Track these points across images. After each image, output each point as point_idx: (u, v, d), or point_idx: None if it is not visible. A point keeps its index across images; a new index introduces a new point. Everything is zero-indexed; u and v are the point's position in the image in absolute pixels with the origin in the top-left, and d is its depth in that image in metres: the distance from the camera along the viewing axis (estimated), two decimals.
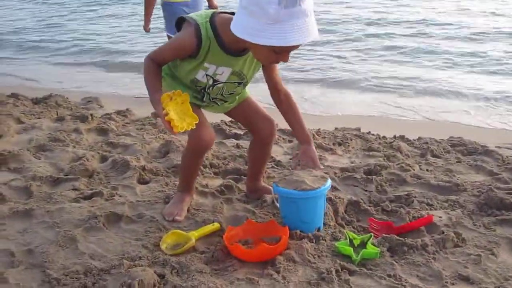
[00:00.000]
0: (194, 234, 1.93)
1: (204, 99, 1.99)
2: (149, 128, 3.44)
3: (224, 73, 1.86)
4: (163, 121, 1.63)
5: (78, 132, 3.31)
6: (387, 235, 1.88)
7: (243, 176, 2.55)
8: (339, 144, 3.14)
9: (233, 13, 1.71)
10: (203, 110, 2.08)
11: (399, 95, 4.76)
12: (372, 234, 1.90)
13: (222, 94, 1.97)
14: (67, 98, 4.50)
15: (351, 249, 1.80)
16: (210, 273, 1.71)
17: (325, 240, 1.90)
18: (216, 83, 1.89)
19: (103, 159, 2.83)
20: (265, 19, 1.50)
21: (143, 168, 2.61)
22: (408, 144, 3.12)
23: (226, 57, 1.79)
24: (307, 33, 1.54)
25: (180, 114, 1.69)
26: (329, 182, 1.96)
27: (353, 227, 2.07)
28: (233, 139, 3.22)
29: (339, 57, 6.27)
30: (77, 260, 1.80)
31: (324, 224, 2.02)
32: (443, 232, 1.93)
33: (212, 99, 1.98)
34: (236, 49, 1.78)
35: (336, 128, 3.51)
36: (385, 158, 2.83)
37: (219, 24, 1.75)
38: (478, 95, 4.60)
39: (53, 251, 1.84)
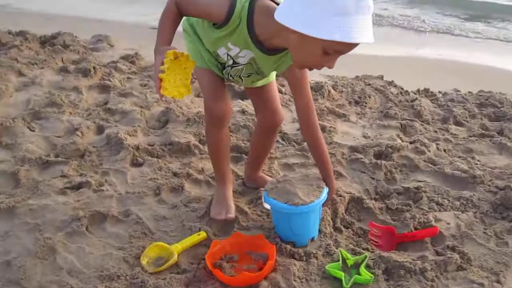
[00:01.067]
0: (177, 247, 1.89)
1: (223, 73, 1.89)
2: (153, 83, 3.32)
3: (246, 57, 1.75)
4: (154, 76, 1.55)
5: (78, 91, 3.23)
6: (383, 255, 1.77)
7: (244, 154, 2.45)
8: (356, 103, 3.02)
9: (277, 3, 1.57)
10: None
11: None
12: (367, 255, 1.80)
13: (239, 76, 1.87)
14: (76, 37, 4.39)
15: (342, 274, 1.72)
16: None
17: (317, 258, 1.82)
18: (235, 65, 1.80)
19: (99, 130, 2.78)
20: (331, 8, 1.36)
21: (137, 148, 2.53)
22: (432, 100, 2.89)
23: (251, 44, 1.67)
24: (370, 34, 1.42)
25: (177, 78, 1.58)
26: (324, 193, 1.83)
27: (353, 231, 2.00)
28: (240, 100, 3.07)
29: None
30: (54, 277, 1.81)
31: (320, 231, 1.93)
32: (447, 247, 1.82)
33: (230, 76, 1.88)
34: (264, 44, 1.65)
35: (357, 77, 3.31)
36: (401, 128, 2.69)
37: (258, 11, 1.60)
38: None
39: (30, 265, 1.85)
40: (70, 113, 2.96)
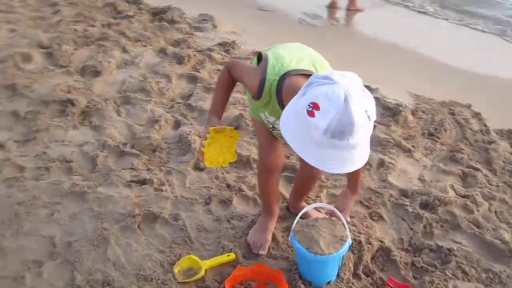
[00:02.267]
0: (206, 264, 2.23)
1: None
2: None
3: None
4: (198, 148, 1.89)
5: (168, 79, 3.67)
6: None
7: None
8: (429, 135, 3.12)
9: (309, 74, 1.69)
10: None
11: None
12: None
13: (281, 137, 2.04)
14: (183, 13, 4.83)
15: None
16: None
17: None
18: (274, 129, 2.02)
19: (176, 125, 3.18)
20: (309, 138, 1.51)
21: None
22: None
23: None
24: (350, 164, 1.53)
25: (222, 146, 1.90)
26: (345, 246, 2.02)
27: (372, 279, 2.16)
28: None
29: None
30: (101, 266, 2.26)
31: (338, 275, 2.14)
32: None
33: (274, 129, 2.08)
34: None
35: (443, 102, 3.31)
36: (462, 177, 2.76)
37: (285, 89, 1.77)
38: None
39: (85, 250, 2.33)
40: (156, 102, 3.39)
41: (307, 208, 2.14)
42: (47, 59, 3.91)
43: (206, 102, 3.36)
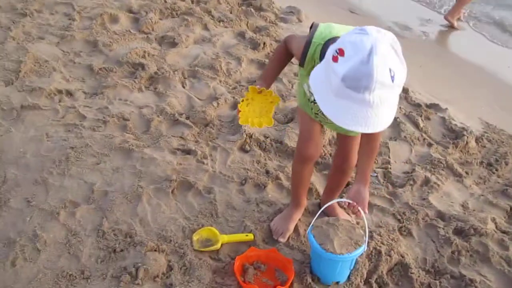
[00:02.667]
0: (224, 238, 2.34)
1: (312, 111, 2.14)
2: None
3: None
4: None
5: (238, 62, 3.80)
6: None
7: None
8: (488, 165, 3.04)
9: None
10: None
11: None
12: None
13: (322, 114, 2.01)
14: (272, 2, 4.95)
15: None
16: (208, 284, 2.15)
17: None
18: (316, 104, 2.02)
19: (233, 106, 3.31)
20: (329, 85, 1.54)
21: (251, 136, 3.00)
22: None
23: None
24: (364, 123, 1.51)
25: (262, 109, 1.99)
26: (359, 251, 2.05)
27: None
28: None
29: None
30: (128, 219, 2.43)
31: (349, 278, 2.17)
32: None
33: (315, 113, 2.11)
34: None
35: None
36: (508, 212, 2.69)
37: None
38: None
39: (118, 202, 2.51)
40: (220, 81, 3.54)
41: (329, 204, 2.17)
42: (132, 24, 4.18)
43: (270, 88, 3.44)
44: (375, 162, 2.88)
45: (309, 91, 1.99)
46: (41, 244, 2.24)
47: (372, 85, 1.41)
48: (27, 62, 3.43)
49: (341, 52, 1.46)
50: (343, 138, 2.25)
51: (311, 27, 1.89)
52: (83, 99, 3.21)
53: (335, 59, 1.48)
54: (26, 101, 3.10)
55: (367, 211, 1.98)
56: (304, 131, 2.21)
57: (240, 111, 1.94)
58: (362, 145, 2.04)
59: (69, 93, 3.23)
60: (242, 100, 1.94)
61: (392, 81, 1.43)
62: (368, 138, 1.97)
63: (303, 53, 1.85)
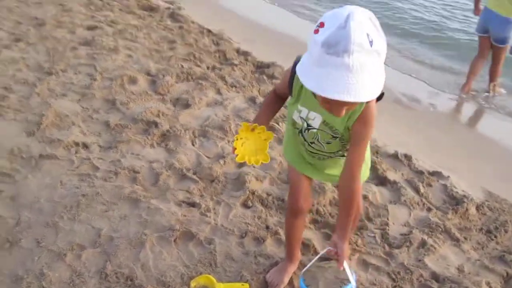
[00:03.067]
0: (220, 286, 2.48)
1: (304, 145, 2.18)
2: None
3: (315, 119, 1.98)
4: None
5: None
6: None
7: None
8: (487, 232, 3.12)
9: None
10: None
11: None
12: None
13: (318, 140, 2.07)
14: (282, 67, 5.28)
15: None
16: None
17: None
18: (310, 127, 2.04)
19: (239, 165, 3.51)
20: (311, 58, 1.59)
21: (253, 193, 3.19)
22: None
23: (317, 104, 1.85)
24: (345, 91, 1.53)
25: (257, 147, 2.06)
26: None
27: None
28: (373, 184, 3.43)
29: None
30: (131, 263, 2.59)
31: None
32: None
33: (310, 143, 2.11)
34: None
35: None
36: (504, 278, 2.75)
37: None
38: None
39: (123, 247, 2.68)
40: (229, 141, 3.77)
41: (317, 257, 2.24)
42: (149, 85, 4.50)
43: (274, 150, 3.67)
44: (373, 223, 3.03)
45: (300, 117, 2.02)
46: (47, 283, 2.40)
47: (350, 47, 1.48)
48: (48, 116, 3.72)
49: (321, 24, 1.55)
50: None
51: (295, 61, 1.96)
52: (97, 151, 3.45)
53: (316, 31, 1.56)
54: (44, 151, 3.35)
55: (341, 267, 2.04)
56: (293, 185, 2.37)
57: (236, 148, 2.03)
58: (340, 201, 2.13)
59: (85, 146, 3.47)
60: (237, 139, 2.03)
61: (371, 45, 1.50)
62: (344, 195, 2.07)
63: (289, 78, 1.95)
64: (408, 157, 3.78)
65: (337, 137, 2.01)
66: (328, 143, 2.07)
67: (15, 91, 4.10)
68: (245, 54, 5.53)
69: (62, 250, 2.60)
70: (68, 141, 3.47)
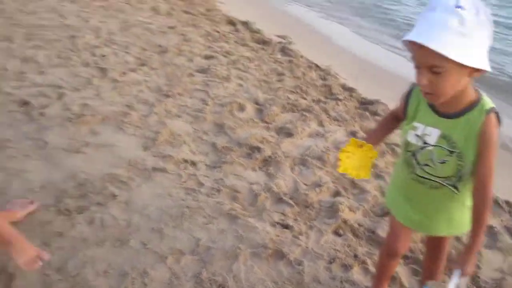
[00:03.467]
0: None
1: (415, 171, 2.07)
2: None
3: (432, 135, 1.94)
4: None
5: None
6: None
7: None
8: None
9: None
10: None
11: None
12: None
13: (432, 160, 2.00)
14: (388, 109, 5.37)
15: None
16: None
17: None
18: (425, 145, 1.97)
19: (334, 194, 3.66)
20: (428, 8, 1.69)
21: (345, 222, 3.32)
22: None
23: (434, 117, 1.91)
24: (426, 36, 1.58)
25: (360, 163, 2.13)
26: None
27: None
28: None
29: None
30: (224, 273, 2.81)
31: None
32: None
33: (423, 166, 2.03)
34: (446, 110, 1.90)
35: None
36: None
37: None
38: None
39: (218, 258, 2.91)
40: (327, 171, 3.93)
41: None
42: (256, 113, 4.80)
43: (371, 183, 3.77)
44: None
45: (415, 135, 1.99)
46: (148, 281, 2.69)
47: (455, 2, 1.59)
48: (163, 134, 4.12)
49: None
50: (431, 240, 2.49)
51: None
52: (204, 169, 3.76)
53: None
54: (157, 165, 3.72)
55: (457, 277, 1.96)
56: (394, 229, 2.41)
57: (340, 160, 2.12)
58: (476, 191, 2.00)
59: (193, 163, 3.80)
60: (342, 151, 2.12)
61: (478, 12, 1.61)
62: (481, 184, 1.95)
63: (405, 96, 2.02)
64: (509, 204, 3.70)
65: (455, 152, 1.92)
66: (443, 162, 1.97)
67: (137, 109, 4.56)
68: (350, 90, 5.69)
69: (164, 254, 2.88)
70: (178, 158, 3.81)
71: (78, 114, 4.34)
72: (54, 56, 5.58)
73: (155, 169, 3.67)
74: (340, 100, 5.34)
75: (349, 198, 3.59)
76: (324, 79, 5.90)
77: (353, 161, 2.13)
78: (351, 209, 3.43)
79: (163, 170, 3.66)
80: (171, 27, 6.88)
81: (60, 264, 2.76)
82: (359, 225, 3.29)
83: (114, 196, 3.33)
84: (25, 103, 4.51)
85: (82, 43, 6.00)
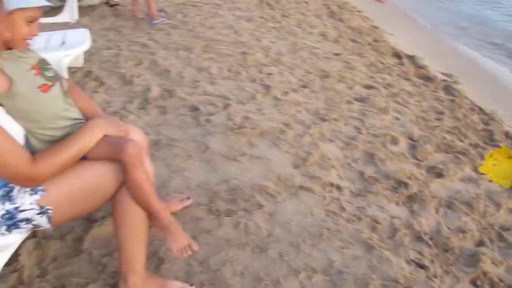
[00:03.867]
0: None
1: None
2: None
3: None
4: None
5: (497, 208, 4.06)
6: None
7: None
8: None
9: None
10: None
11: None
12: None
13: None
14: None
15: None
16: None
17: None
18: None
19: (477, 244, 3.58)
20: None
21: (485, 274, 3.23)
22: None
23: None
24: None
25: (505, 173, 2.12)
26: None
27: None
28: None
29: None
30: None
31: None
32: None
33: None
34: None
35: None
36: None
37: None
38: None
39: (349, 282, 3.03)
40: (474, 219, 3.84)
41: None
42: (409, 149, 4.81)
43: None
44: None
45: None
46: None
47: None
48: (314, 155, 4.33)
49: None
50: None
51: None
52: (348, 195, 3.90)
53: None
54: (304, 183, 3.94)
55: None
56: None
57: (485, 160, 2.13)
58: None
59: (339, 188, 3.96)
60: (490, 156, 2.13)
61: None
62: None
63: None
64: None
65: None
66: None
67: (293, 128, 4.85)
68: None
69: (298, 268, 3.08)
70: (325, 180, 4.00)
71: (240, 125, 4.73)
72: (225, 69, 6.11)
73: (301, 187, 3.89)
74: (500, 147, 5.10)
75: (493, 250, 3.49)
76: (486, 123, 5.69)
77: (496, 168, 2.13)
78: (494, 261, 3.34)
79: (309, 189, 3.87)
80: (337, 54, 7.11)
81: (204, 258, 3.09)
82: (500, 280, 3.20)
83: (260, 205, 3.61)
84: (195, 109, 5.03)
85: (252, 60, 6.48)
